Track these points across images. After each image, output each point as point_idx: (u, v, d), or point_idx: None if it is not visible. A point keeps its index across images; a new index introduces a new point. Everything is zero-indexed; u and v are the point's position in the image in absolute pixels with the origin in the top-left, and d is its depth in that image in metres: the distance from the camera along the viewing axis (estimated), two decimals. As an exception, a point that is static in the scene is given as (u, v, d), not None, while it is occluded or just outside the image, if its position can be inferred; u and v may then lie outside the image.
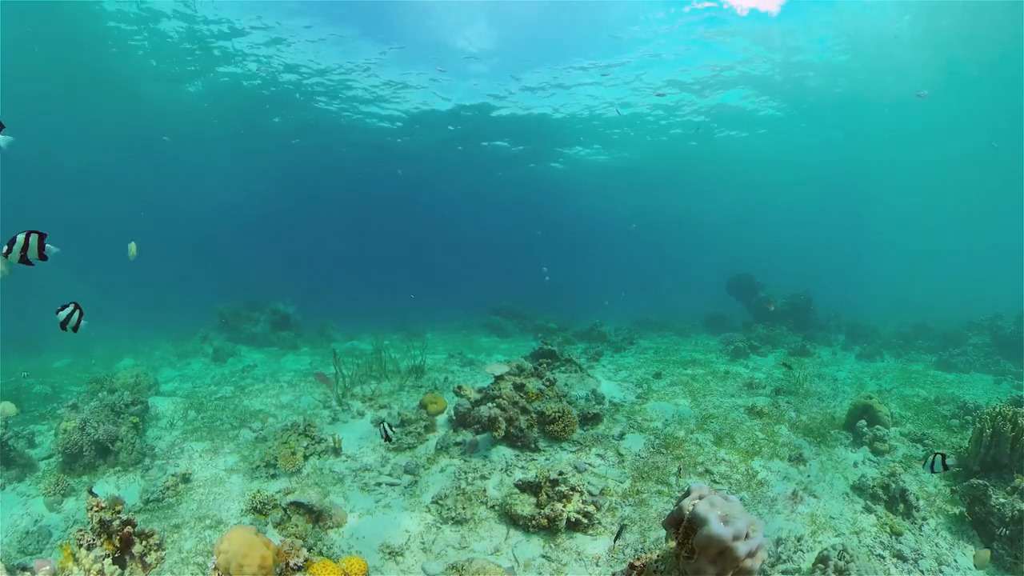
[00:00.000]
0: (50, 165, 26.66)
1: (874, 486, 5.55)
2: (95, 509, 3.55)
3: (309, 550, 4.41)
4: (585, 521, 4.88)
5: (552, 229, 51.73)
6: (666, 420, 7.68)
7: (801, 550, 4.67)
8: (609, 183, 33.71)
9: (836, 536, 4.97)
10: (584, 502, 4.98)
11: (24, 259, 3.55)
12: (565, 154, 28.51)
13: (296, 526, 4.95)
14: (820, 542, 4.84)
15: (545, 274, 26.51)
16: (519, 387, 7.03)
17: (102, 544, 3.55)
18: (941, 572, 4.53)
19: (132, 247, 7.00)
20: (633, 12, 15.86)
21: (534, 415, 6.82)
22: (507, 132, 25.44)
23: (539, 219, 44.26)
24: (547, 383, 7.38)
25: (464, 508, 5.21)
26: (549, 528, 4.85)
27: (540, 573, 4.43)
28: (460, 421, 6.97)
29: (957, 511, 5.23)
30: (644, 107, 22.55)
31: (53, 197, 32.20)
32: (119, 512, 3.64)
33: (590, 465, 6.15)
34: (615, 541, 4.61)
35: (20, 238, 3.52)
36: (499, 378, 7.18)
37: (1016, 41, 16.25)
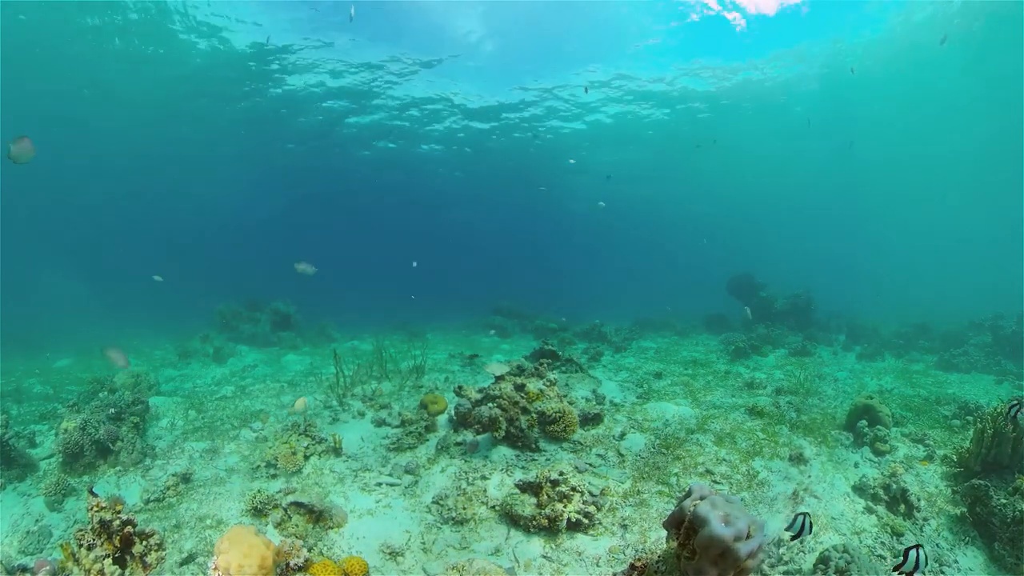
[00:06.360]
0: (52, 166, 26.66)
1: (875, 486, 5.54)
2: (95, 509, 3.54)
3: (309, 550, 4.41)
4: (586, 521, 4.88)
5: (552, 229, 51.68)
6: (667, 420, 7.67)
7: (802, 551, 4.67)
8: (610, 181, 33.64)
9: (837, 536, 4.96)
10: (585, 502, 4.97)
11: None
12: (568, 155, 28.51)
13: (296, 526, 4.95)
14: (821, 543, 4.83)
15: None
16: (520, 387, 7.03)
17: (102, 544, 3.55)
18: (942, 573, 4.52)
19: None
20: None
21: (535, 415, 6.81)
22: (511, 133, 25.42)
23: (539, 218, 44.27)
24: (548, 383, 7.37)
25: (465, 508, 5.21)
26: (550, 528, 4.85)
27: (541, 573, 4.42)
28: (461, 421, 6.97)
29: (958, 512, 5.22)
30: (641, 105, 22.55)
31: (54, 198, 32.23)
32: (119, 512, 3.64)
33: (591, 465, 6.15)
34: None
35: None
36: (499, 378, 7.18)
37: (1018, 38, 16.24)
